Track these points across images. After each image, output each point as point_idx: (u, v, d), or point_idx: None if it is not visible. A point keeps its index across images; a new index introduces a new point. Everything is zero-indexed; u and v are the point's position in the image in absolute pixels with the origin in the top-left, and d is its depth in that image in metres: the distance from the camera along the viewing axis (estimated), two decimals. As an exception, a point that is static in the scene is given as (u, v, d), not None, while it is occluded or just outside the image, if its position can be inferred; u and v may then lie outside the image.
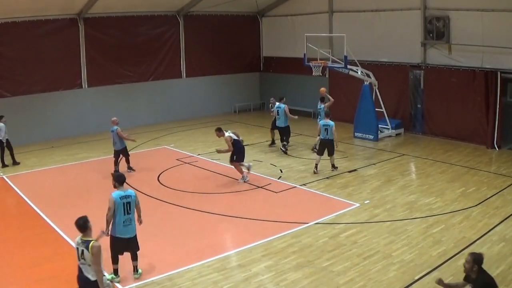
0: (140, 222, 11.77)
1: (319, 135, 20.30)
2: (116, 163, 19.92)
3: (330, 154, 19.41)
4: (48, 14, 26.66)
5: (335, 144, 19.42)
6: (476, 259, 7.90)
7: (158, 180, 19.06)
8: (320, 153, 19.58)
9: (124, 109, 29.24)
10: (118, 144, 19.68)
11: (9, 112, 25.35)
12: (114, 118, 19.92)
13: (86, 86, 28.67)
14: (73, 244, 13.09)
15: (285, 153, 22.47)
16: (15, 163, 22.03)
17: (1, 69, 25.67)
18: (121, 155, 19.98)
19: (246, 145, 22.49)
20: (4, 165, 21.58)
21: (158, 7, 30.24)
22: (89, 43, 28.35)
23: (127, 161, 20.14)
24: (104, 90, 29.21)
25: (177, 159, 21.72)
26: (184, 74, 32.35)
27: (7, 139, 21.81)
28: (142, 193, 17.41)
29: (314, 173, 19.34)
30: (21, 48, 26.25)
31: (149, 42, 30.66)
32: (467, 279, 8.24)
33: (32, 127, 26.05)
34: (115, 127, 19.56)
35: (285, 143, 22.77)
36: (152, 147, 24.63)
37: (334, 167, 19.70)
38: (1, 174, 20.70)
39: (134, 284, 11.17)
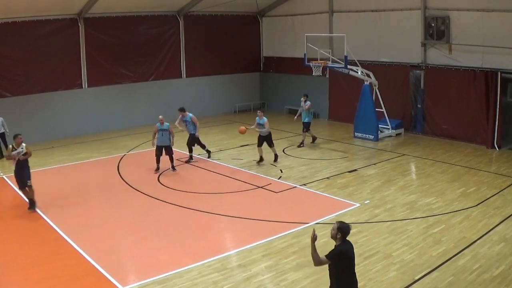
0: None
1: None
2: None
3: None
4: (48, 14, 26.66)
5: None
6: (341, 227, 8.01)
7: (158, 180, 19.05)
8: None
9: (124, 109, 29.40)
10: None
11: (9, 112, 25.45)
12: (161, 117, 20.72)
13: (86, 86, 28.66)
14: (73, 244, 13.22)
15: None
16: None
17: (2, 69, 25.67)
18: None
19: (246, 145, 22.53)
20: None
21: (158, 7, 30.23)
22: (89, 43, 28.34)
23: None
24: (104, 90, 29.20)
25: (177, 159, 21.71)
26: (184, 74, 32.35)
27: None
28: (142, 193, 17.52)
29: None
30: (21, 48, 26.26)
31: (149, 42, 30.66)
32: None
33: (32, 127, 25.99)
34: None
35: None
36: (152, 147, 24.59)
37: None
38: (1, 174, 20.71)
39: (135, 284, 11.16)
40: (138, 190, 17.83)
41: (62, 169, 21.27)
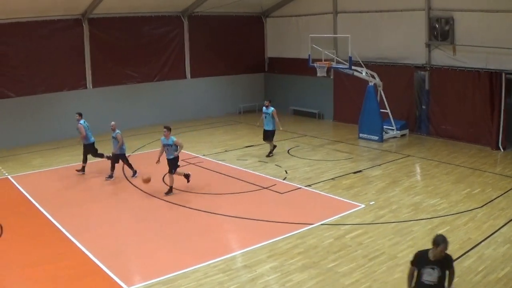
0: None
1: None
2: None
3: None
4: (52, 15, 26.74)
5: None
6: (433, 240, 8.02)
7: (163, 181, 19.10)
8: None
9: (128, 110, 29.43)
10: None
11: (13, 112, 25.56)
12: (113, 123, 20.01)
13: (91, 86, 28.76)
14: (78, 244, 13.26)
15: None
16: None
17: (5, 70, 25.76)
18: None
19: (250, 146, 22.53)
20: None
21: (162, 8, 30.31)
22: (93, 43, 28.44)
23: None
24: (109, 91, 29.30)
25: (182, 160, 21.71)
26: (188, 75, 32.40)
27: None
28: (147, 193, 17.58)
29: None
30: (25, 49, 26.35)
31: (154, 42, 30.75)
32: None
33: (37, 128, 26.13)
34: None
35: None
36: (156, 148, 24.63)
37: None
38: (6, 174, 20.77)
39: (140, 284, 11.21)
40: (143, 191, 17.90)
41: (67, 169, 21.28)
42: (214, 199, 17.14)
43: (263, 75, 35.60)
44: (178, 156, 17.83)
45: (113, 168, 19.70)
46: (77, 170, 20.55)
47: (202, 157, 22.49)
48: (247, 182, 18.79)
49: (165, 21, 31.11)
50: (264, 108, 22.28)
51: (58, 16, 27.12)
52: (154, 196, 17.35)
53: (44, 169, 21.20)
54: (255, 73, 35.19)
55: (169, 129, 17.71)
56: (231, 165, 21.02)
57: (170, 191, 17.56)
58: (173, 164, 17.71)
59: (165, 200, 16.95)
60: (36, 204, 16.85)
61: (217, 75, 33.37)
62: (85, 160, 20.63)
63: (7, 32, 25.73)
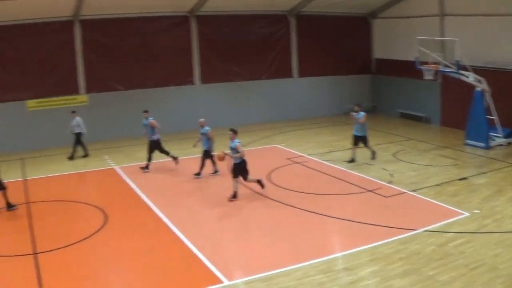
0: None
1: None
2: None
3: None
4: (160, 11, 27.93)
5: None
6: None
7: (268, 179, 19.58)
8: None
9: (235, 107, 30.48)
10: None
11: (122, 104, 27.06)
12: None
13: (199, 82, 29.83)
14: (181, 236, 13.98)
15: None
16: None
17: (115, 63, 27.19)
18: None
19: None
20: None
21: (269, 6, 30.87)
22: (201, 40, 29.59)
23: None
24: (215, 87, 30.42)
25: (287, 158, 22.20)
26: (295, 74, 32.93)
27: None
28: (254, 191, 18.15)
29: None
30: (134, 44, 27.87)
31: (261, 40, 31.50)
32: None
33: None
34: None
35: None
36: (263, 145, 25.29)
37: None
38: (112, 164, 21.98)
39: (240, 280, 11.73)
40: (249, 188, 18.42)
41: (171, 163, 22.04)
42: (317, 199, 17.49)
43: (369, 76, 35.50)
44: (244, 161, 17.29)
45: (202, 166, 20.13)
46: (141, 168, 21.38)
47: (308, 156, 22.96)
48: (351, 183, 19.07)
49: (272, 20, 31.76)
50: (354, 113, 21.95)
51: (166, 13, 28.30)
52: (259, 194, 17.88)
53: (158, 160, 22.09)
54: (361, 74, 35.15)
55: (234, 132, 17.38)
56: (336, 166, 21.35)
57: (234, 196, 17.25)
58: (238, 169, 17.22)
59: (269, 198, 17.47)
60: (141, 195, 17.98)
61: (323, 75, 33.69)
62: (166, 153, 21.71)
63: (115, 27, 27.36)
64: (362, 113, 21.62)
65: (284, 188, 18.48)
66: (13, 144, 25.78)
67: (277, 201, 17.14)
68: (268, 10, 31.34)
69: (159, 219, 15.67)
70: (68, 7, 26.00)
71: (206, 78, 30.23)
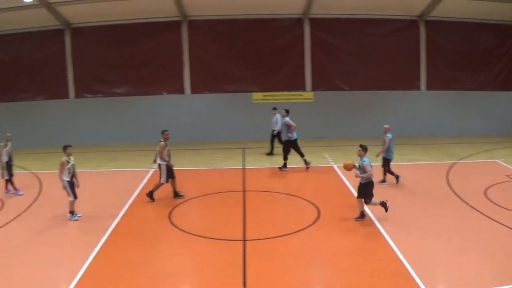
0: None
1: None
2: None
3: None
4: (388, 14, 27.58)
5: None
6: None
7: (485, 194, 18.05)
8: None
9: (457, 117, 29.70)
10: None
11: (345, 105, 27.87)
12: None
13: (424, 88, 29.28)
14: (390, 241, 13.47)
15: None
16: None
17: (341, 63, 27.56)
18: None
19: None
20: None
21: (498, 16, 29.23)
22: (429, 46, 29.08)
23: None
24: (441, 95, 29.66)
25: (506, 175, 20.82)
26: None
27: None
28: (466, 203, 17.05)
29: None
30: (359, 45, 28.24)
31: (488, 50, 30.10)
32: None
33: (365, 122, 27.45)
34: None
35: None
36: (482, 159, 24.03)
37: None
38: (333, 163, 22.09)
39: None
40: (463, 200, 17.40)
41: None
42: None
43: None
44: (371, 182, 15.32)
45: (386, 172, 19.48)
46: (280, 168, 21.77)
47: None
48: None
49: (502, 30, 30.04)
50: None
51: (394, 16, 28.22)
52: (472, 207, 16.59)
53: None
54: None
55: (363, 149, 15.27)
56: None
57: (361, 216, 15.49)
58: (364, 189, 15.36)
59: (483, 214, 15.97)
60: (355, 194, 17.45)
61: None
62: (301, 154, 21.87)
63: (342, 26, 28.20)
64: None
65: (500, 207, 16.73)
66: (236, 133, 27.19)
67: (493, 220, 15.49)
68: (500, 20, 29.68)
69: (372, 223, 15.19)
70: (298, 5, 26.79)
71: (432, 85, 29.56)
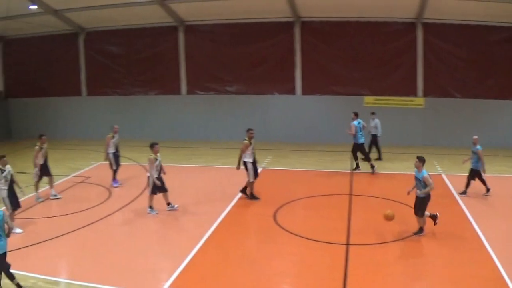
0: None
1: None
2: None
3: None
4: (500, 21, 26.99)
5: None
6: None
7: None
8: None
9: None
10: None
11: (455, 112, 28.02)
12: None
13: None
14: (492, 254, 13.20)
15: None
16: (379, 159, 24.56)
17: (454, 70, 27.93)
18: None
19: None
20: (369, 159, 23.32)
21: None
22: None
23: None
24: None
25: None
26: None
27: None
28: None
29: None
30: (473, 52, 27.68)
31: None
32: None
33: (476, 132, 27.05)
34: None
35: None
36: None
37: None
38: (441, 171, 22.03)
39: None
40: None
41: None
42: None
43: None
44: (428, 195, 14.73)
45: (468, 185, 18.96)
46: (353, 170, 22.11)
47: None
48: None
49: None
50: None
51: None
52: None
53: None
54: None
55: (421, 160, 14.72)
56: None
57: (420, 231, 14.96)
58: (420, 204, 14.78)
59: None
60: (463, 206, 17.48)
61: None
62: (356, 158, 22.40)
63: (457, 32, 27.84)
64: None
65: None
66: (345, 136, 27.38)
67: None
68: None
69: (477, 235, 14.83)
70: (411, 9, 26.73)
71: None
